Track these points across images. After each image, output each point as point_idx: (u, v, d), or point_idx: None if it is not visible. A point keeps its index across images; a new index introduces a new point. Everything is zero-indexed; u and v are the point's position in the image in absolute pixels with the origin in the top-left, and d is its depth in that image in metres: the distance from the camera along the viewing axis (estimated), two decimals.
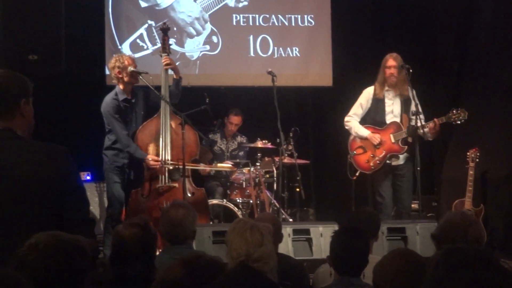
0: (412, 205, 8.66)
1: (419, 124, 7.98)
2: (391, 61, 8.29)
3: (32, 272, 2.44)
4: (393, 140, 8.31)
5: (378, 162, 8.35)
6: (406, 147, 8.27)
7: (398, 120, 8.36)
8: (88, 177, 8.80)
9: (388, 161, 8.35)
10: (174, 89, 7.80)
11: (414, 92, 8.26)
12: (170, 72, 7.82)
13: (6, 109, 3.44)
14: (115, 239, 3.83)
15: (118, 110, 7.64)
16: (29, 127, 3.52)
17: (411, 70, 8.13)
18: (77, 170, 3.56)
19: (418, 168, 7.96)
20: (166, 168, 7.55)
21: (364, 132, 8.41)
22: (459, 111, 8.12)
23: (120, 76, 7.65)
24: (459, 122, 8.18)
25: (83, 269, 2.55)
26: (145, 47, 10.14)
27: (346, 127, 8.56)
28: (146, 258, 3.77)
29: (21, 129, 3.47)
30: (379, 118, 8.42)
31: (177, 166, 7.49)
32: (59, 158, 3.41)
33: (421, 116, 8.13)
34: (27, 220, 3.24)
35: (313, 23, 10.62)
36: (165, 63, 7.75)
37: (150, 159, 7.55)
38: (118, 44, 10.06)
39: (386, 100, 8.38)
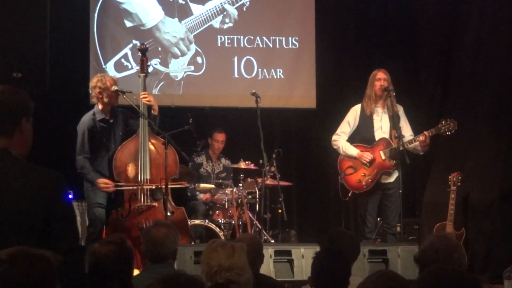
0: None
1: (401, 148, 7.93)
2: (381, 74, 8.16)
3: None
4: (383, 157, 8.12)
5: (370, 180, 8.12)
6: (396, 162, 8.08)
7: (387, 136, 8.18)
8: (70, 196, 8.76)
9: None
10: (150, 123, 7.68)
11: (402, 109, 8.27)
12: (155, 92, 7.79)
13: (5, 127, 3.31)
14: (92, 258, 3.79)
15: (94, 130, 7.61)
16: (26, 147, 3.39)
17: (394, 93, 8.13)
18: (67, 198, 3.42)
19: (400, 191, 7.97)
20: (148, 188, 7.52)
21: (353, 151, 8.20)
22: (448, 122, 8.00)
23: (100, 96, 7.62)
24: (449, 133, 8.05)
25: (48, 279, 2.51)
26: (130, 67, 10.12)
27: (334, 147, 8.33)
28: (123, 275, 3.76)
29: (18, 148, 3.34)
30: (368, 135, 8.22)
31: (159, 186, 7.45)
32: (50, 185, 3.27)
33: (406, 139, 8.03)
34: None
35: (297, 45, 10.66)
36: (145, 100, 7.65)
37: (101, 182, 7.50)
38: (102, 63, 10.06)
39: (374, 116, 8.19)
